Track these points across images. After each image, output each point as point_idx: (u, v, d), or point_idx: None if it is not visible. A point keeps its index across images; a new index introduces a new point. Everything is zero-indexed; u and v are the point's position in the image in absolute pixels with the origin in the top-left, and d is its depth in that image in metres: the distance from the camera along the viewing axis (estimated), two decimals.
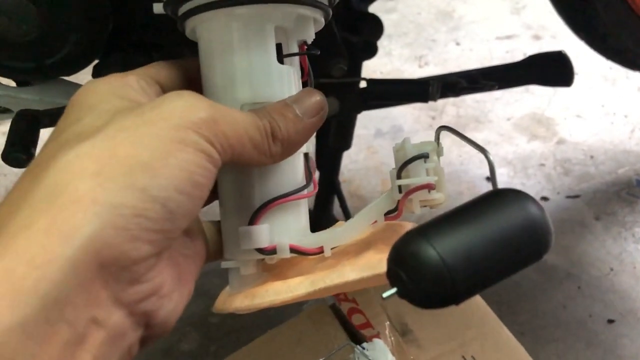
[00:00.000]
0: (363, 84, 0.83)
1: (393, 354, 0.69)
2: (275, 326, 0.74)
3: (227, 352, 0.74)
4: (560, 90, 1.47)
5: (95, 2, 0.60)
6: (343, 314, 0.74)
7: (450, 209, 0.33)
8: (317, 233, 0.41)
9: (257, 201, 0.39)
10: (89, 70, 0.66)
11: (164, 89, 0.39)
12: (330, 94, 0.79)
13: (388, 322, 0.73)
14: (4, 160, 0.61)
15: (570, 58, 0.87)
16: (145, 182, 0.30)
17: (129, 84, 0.36)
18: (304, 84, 0.42)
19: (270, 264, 0.42)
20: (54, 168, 0.30)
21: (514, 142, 1.42)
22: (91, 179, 0.29)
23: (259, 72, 0.39)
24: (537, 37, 1.77)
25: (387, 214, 0.41)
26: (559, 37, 1.68)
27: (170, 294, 0.33)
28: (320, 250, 0.40)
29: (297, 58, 0.42)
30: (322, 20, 0.42)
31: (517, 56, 1.63)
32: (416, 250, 0.30)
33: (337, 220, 0.41)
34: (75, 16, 0.59)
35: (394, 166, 0.40)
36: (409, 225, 0.42)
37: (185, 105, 0.33)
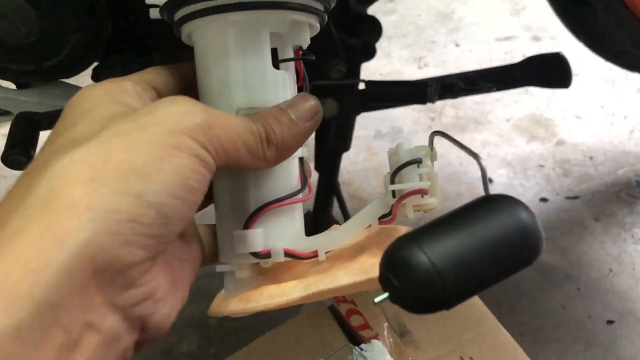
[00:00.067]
0: (362, 86, 0.83)
1: (391, 355, 0.69)
2: (274, 327, 0.75)
3: (226, 353, 0.74)
4: (560, 92, 1.47)
5: (94, 5, 0.60)
6: (342, 315, 0.74)
7: (446, 211, 0.33)
8: (311, 237, 0.41)
9: (252, 205, 0.39)
10: (88, 72, 0.66)
11: (160, 94, 0.39)
12: (329, 96, 0.79)
13: (386, 324, 0.73)
14: (3, 162, 0.61)
15: (568, 59, 0.87)
16: (139, 188, 0.30)
17: (124, 89, 0.36)
18: (300, 89, 0.43)
19: (265, 267, 0.42)
20: (49, 173, 0.30)
21: (513, 143, 1.42)
22: (86, 185, 0.29)
23: (255, 77, 0.39)
24: (536, 39, 1.77)
25: (381, 218, 0.41)
26: (559, 38, 1.68)
27: (165, 298, 0.34)
28: (315, 254, 0.40)
29: (292, 63, 0.42)
30: (317, 25, 0.42)
31: (517, 57, 1.62)
32: (407, 255, 0.30)
33: (336, 222, 0.41)
34: (75, 19, 0.60)
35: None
36: (403, 229, 0.42)
37: (179, 111, 0.33)
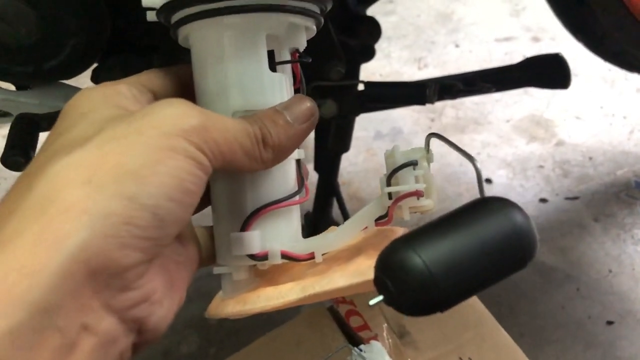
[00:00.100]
0: (361, 87, 0.83)
1: (390, 356, 0.69)
2: (274, 328, 0.75)
3: (226, 354, 0.74)
4: (559, 92, 1.47)
5: (94, 6, 0.60)
6: (341, 316, 0.74)
7: (446, 212, 0.34)
8: (308, 239, 0.41)
9: (249, 207, 0.39)
10: (88, 73, 0.66)
11: (157, 97, 0.39)
12: (328, 97, 0.79)
13: (386, 324, 0.73)
14: (3, 163, 0.61)
15: (567, 60, 0.87)
16: (134, 190, 0.30)
17: (120, 93, 0.37)
18: (297, 91, 0.43)
19: (263, 269, 0.42)
20: (44, 177, 0.30)
21: (513, 144, 1.42)
22: (80, 188, 0.29)
23: (251, 79, 0.39)
24: (536, 39, 1.77)
25: (378, 219, 0.41)
26: (558, 39, 1.68)
27: (161, 300, 0.34)
28: (312, 256, 0.40)
29: (289, 65, 0.42)
30: (314, 28, 0.42)
31: (517, 58, 1.62)
32: (402, 258, 0.30)
33: (336, 223, 0.41)
34: (74, 20, 0.60)
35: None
36: (400, 231, 0.42)
37: (175, 113, 0.33)
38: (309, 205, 1.05)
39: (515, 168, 1.35)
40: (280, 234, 0.40)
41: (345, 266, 0.39)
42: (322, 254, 0.41)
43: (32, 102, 0.67)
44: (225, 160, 0.34)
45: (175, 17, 0.39)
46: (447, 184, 1.30)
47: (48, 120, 0.65)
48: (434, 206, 0.40)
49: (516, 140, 1.44)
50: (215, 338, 1.01)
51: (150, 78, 0.40)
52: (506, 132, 1.46)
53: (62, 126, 0.34)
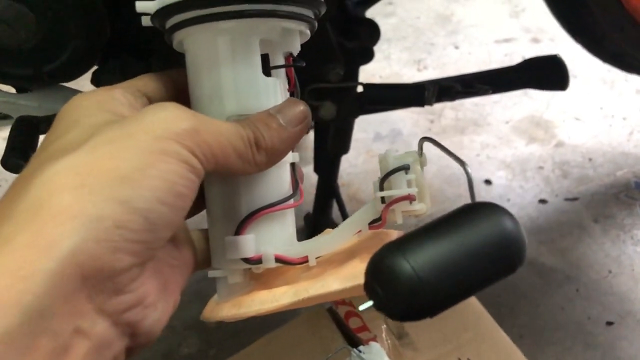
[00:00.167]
0: (360, 89, 0.83)
1: (390, 357, 0.69)
2: (273, 330, 0.75)
3: (226, 355, 0.74)
4: (559, 93, 1.46)
5: (93, 9, 0.61)
6: (340, 317, 0.74)
7: (443, 214, 0.34)
8: (302, 242, 0.42)
9: (244, 211, 0.40)
10: (88, 76, 0.67)
11: (152, 101, 0.39)
12: (327, 99, 0.79)
13: (385, 326, 0.73)
14: (3, 166, 0.61)
15: (566, 62, 0.87)
16: (126, 194, 0.30)
17: (115, 98, 0.37)
18: (291, 95, 0.43)
19: (257, 272, 0.42)
20: (38, 181, 0.30)
21: (512, 145, 1.43)
22: (72, 193, 0.29)
23: (245, 84, 0.39)
24: (535, 40, 1.77)
25: (372, 223, 0.41)
26: (558, 40, 1.68)
27: (155, 303, 0.34)
28: (306, 260, 0.40)
29: (283, 69, 0.42)
30: (308, 32, 0.43)
31: (516, 59, 1.62)
32: (391, 264, 0.30)
33: (335, 224, 0.42)
34: (74, 23, 0.60)
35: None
36: (394, 234, 0.42)
37: (167, 116, 0.33)
38: (309, 206, 1.06)
39: (514, 169, 1.35)
40: (274, 237, 0.40)
41: (339, 270, 0.39)
42: (316, 258, 0.41)
43: (32, 105, 0.67)
44: (218, 163, 0.35)
45: (170, 23, 0.40)
46: (447, 185, 1.30)
47: (48, 123, 0.65)
48: (426, 210, 0.40)
49: (516, 141, 1.44)
50: (215, 340, 1.02)
51: (146, 82, 0.40)
52: (506, 134, 1.46)
53: (56, 132, 0.35)
